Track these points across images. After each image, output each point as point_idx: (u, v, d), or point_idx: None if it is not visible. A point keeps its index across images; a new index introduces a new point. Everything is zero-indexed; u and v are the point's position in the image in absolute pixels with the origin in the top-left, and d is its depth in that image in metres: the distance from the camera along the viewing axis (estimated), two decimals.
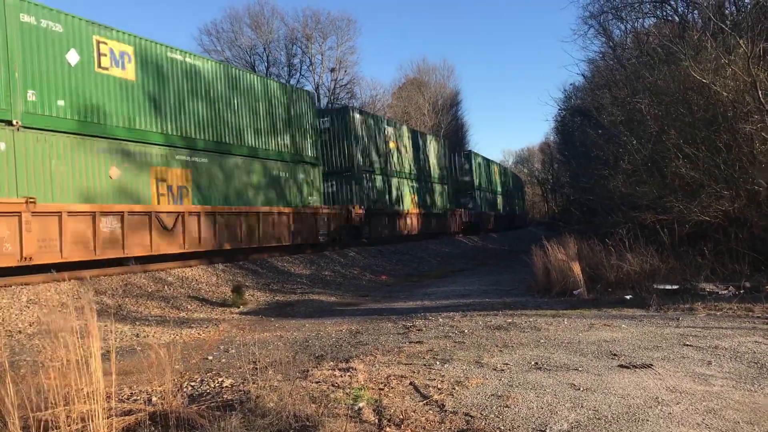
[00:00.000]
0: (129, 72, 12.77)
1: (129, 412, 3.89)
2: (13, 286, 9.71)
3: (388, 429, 3.77)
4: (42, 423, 3.30)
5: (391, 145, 26.08)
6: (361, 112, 24.78)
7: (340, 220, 20.21)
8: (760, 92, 10.11)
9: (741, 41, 10.52)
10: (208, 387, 4.99)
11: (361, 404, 4.26)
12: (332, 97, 48.59)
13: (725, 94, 10.69)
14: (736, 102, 10.65)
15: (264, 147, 17.01)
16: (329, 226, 19.44)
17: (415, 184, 28.46)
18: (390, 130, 26.28)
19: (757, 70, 10.24)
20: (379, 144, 24.96)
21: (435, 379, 4.91)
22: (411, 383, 4.82)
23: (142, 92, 13.00)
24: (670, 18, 20.44)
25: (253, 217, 15.85)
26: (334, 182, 22.50)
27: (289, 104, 18.41)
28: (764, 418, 3.77)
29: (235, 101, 15.97)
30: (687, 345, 5.94)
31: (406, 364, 5.55)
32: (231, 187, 15.47)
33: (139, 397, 4.59)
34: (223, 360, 6.41)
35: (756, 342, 5.96)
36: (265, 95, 17.26)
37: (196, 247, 13.81)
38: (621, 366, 5.15)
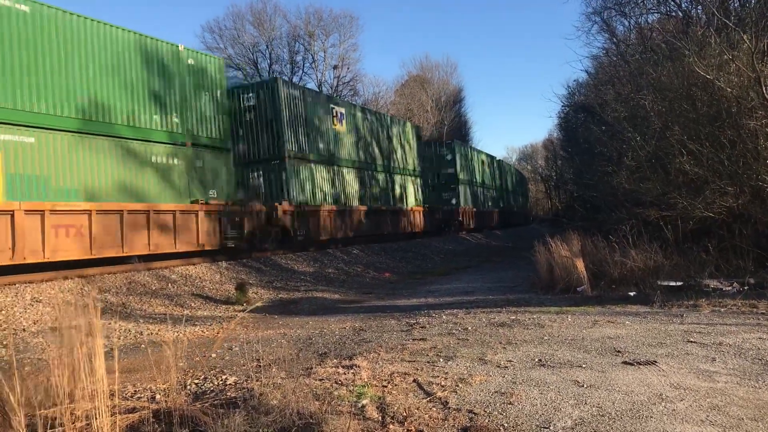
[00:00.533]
0: None
1: (133, 410, 3.91)
2: (17, 285, 9.75)
3: (391, 426, 3.77)
4: (46, 421, 3.31)
5: (339, 128, 21.92)
6: (294, 86, 20.22)
7: (259, 220, 16.38)
8: (764, 88, 10.07)
9: (745, 37, 10.47)
10: (211, 384, 5.00)
11: (364, 401, 4.26)
12: (335, 95, 48.58)
13: (729, 89, 10.65)
14: (741, 98, 10.60)
15: (132, 124, 12.87)
16: (243, 227, 15.60)
17: (368, 175, 23.85)
18: (339, 110, 22.10)
19: (761, 65, 10.19)
20: (324, 127, 20.87)
21: (438, 377, 4.91)
22: (414, 380, 4.82)
23: None
24: (673, 14, 20.37)
25: (113, 216, 11.97)
26: (259, 173, 18.52)
27: (180, 71, 14.37)
28: None
29: (89, 61, 12.00)
30: (691, 342, 5.93)
31: (409, 362, 5.55)
32: (75, 177, 11.54)
33: (143, 395, 4.61)
34: (227, 357, 6.43)
35: (760, 338, 5.94)
36: (135, 55, 13.14)
37: (8, 261, 10.04)
38: (625, 363, 5.15)
